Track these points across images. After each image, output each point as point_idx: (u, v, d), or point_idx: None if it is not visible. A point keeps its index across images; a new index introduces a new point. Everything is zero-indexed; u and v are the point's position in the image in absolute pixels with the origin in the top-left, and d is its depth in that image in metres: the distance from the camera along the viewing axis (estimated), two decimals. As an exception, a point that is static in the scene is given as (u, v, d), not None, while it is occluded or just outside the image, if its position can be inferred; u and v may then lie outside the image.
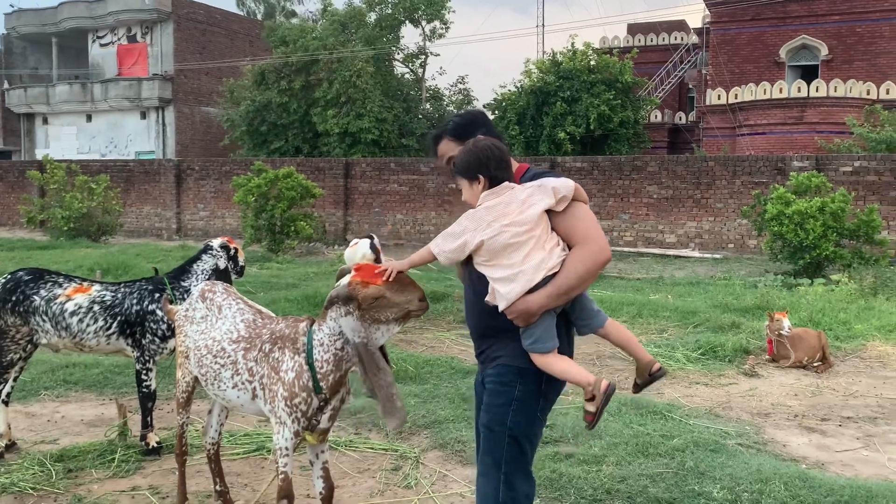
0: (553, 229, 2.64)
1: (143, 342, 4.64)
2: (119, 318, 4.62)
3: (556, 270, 2.57)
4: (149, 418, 4.68)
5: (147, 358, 4.66)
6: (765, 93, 24.69)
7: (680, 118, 30.55)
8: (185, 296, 4.67)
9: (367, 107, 26.47)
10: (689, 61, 31.16)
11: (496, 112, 25.96)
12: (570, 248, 2.62)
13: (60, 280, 4.73)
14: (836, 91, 23.74)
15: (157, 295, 4.68)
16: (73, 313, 4.59)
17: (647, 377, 2.77)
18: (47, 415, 5.49)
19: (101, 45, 36.63)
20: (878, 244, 12.13)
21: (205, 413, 4.23)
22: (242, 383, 3.34)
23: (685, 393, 6.24)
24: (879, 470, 4.59)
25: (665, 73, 30.96)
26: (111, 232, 20.16)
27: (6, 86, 37.93)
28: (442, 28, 30.34)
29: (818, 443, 5.09)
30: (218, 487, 3.87)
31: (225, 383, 3.39)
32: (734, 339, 7.58)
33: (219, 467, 3.89)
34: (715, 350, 7.37)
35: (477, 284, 2.72)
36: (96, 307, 4.62)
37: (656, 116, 29.39)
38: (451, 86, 35.14)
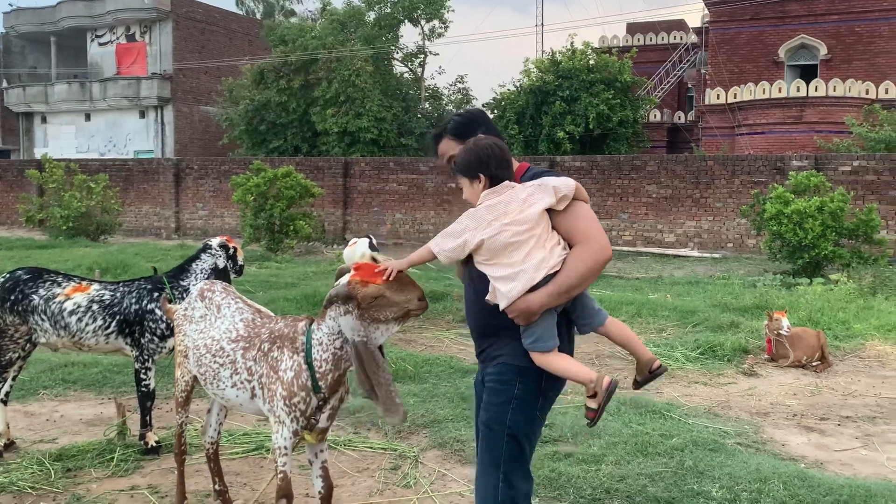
0: (554, 228, 2.64)
1: (142, 341, 4.64)
2: (118, 317, 4.61)
3: (557, 269, 2.56)
4: (148, 417, 4.67)
5: (146, 357, 4.65)
6: (764, 92, 24.70)
7: (679, 118, 30.55)
8: (184, 295, 4.66)
9: (366, 106, 26.46)
10: (688, 61, 31.16)
11: (495, 111, 25.96)
12: (570, 248, 2.62)
13: (59, 279, 4.73)
14: (834, 90, 23.75)
15: (155, 294, 4.67)
16: (71, 312, 4.58)
17: (647, 374, 2.77)
18: (46, 414, 5.48)
19: (100, 45, 36.62)
20: (876, 244, 12.13)
21: (204, 412, 4.23)
22: (241, 382, 3.33)
23: (684, 392, 6.24)
24: (878, 469, 4.60)
25: (664, 73, 30.96)
26: (110, 231, 20.15)
27: (5, 85, 37.91)
28: (441, 27, 30.40)
29: (817, 442, 5.09)
30: (217, 487, 3.87)
31: (224, 382, 3.39)
32: (733, 339, 7.58)
33: (218, 466, 3.88)
34: (714, 349, 7.37)
35: (477, 283, 2.71)
36: (95, 306, 4.61)
37: (655, 116, 29.39)
38: (451, 85, 35.29)
